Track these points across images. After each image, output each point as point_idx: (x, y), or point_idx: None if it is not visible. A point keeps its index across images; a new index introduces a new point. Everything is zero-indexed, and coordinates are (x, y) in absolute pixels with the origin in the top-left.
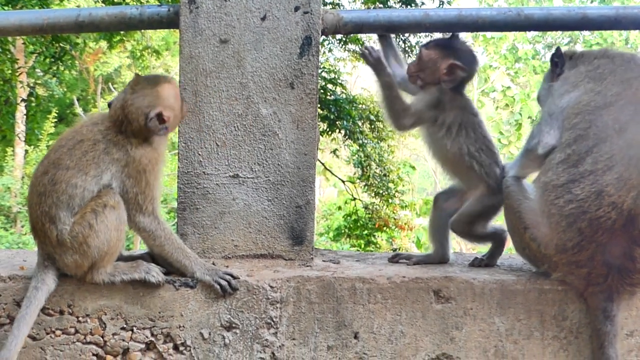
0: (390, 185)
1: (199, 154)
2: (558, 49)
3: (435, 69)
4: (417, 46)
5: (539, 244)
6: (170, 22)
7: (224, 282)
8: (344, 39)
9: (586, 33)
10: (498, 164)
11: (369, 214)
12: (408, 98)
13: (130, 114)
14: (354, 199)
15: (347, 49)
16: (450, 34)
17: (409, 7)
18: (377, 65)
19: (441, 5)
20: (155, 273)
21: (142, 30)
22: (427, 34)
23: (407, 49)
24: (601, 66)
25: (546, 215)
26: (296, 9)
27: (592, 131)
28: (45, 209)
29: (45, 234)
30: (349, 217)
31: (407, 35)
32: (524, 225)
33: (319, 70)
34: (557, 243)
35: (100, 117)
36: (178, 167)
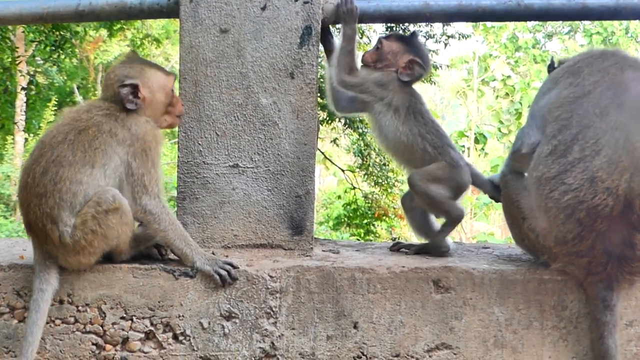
0: (390, 174)
1: (199, 144)
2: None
3: (394, 61)
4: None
5: (537, 234)
6: (170, 11)
7: (223, 272)
8: None
9: (586, 23)
10: (451, 146)
11: (369, 203)
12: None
13: (109, 80)
14: (354, 188)
15: None
16: (413, 33)
17: None
18: (348, 15)
19: None
20: None
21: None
22: (427, 24)
23: None
24: (580, 61)
25: (543, 210)
26: None
27: (575, 119)
28: (46, 210)
29: (47, 234)
30: (348, 206)
31: (406, 25)
32: (522, 215)
33: (319, 60)
34: (556, 235)
35: (94, 102)
36: (178, 156)
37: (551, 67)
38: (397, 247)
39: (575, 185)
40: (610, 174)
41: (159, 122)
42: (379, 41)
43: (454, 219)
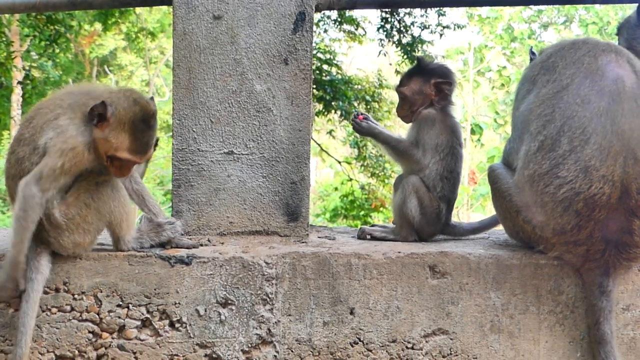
0: (387, 165)
1: (193, 131)
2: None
3: (424, 96)
4: (412, 26)
5: (534, 226)
6: None
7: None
8: (339, 19)
9: (582, 12)
10: (450, 202)
11: (366, 194)
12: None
13: (120, 90)
14: (351, 179)
15: (342, 29)
16: (417, 59)
17: None
18: (369, 130)
19: None
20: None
21: (137, 12)
22: (422, 14)
23: (402, 29)
24: (552, 55)
25: (540, 205)
26: None
27: (557, 113)
28: None
29: None
30: (345, 198)
31: (402, 15)
32: (516, 208)
33: (314, 51)
34: (554, 227)
35: (86, 88)
36: (172, 144)
37: (531, 54)
38: (364, 235)
39: (570, 177)
40: (604, 160)
41: (100, 154)
42: (398, 92)
43: (399, 238)
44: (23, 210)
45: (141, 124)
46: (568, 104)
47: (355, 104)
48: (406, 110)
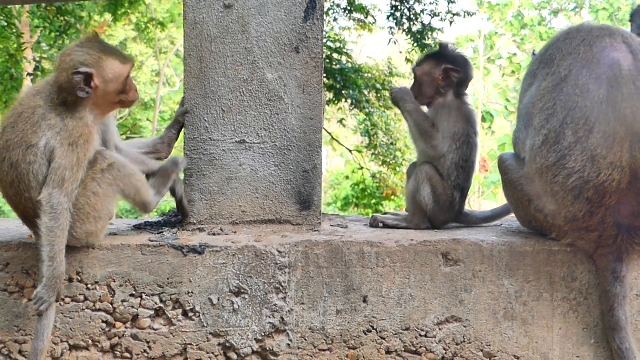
0: (398, 153)
1: (205, 120)
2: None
3: (433, 79)
4: (422, 14)
5: (546, 215)
6: None
7: None
8: (348, 7)
9: None
10: (463, 191)
11: (377, 182)
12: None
13: (63, 64)
14: (362, 168)
15: (352, 17)
16: (440, 45)
17: None
18: (397, 97)
19: None
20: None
21: (147, 2)
22: (432, 1)
23: (412, 17)
24: (550, 48)
25: (550, 195)
26: None
27: (559, 105)
28: (27, 196)
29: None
30: (356, 187)
31: (412, 3)
32: (528, 197)
33: (324, 39)
34: (566, 215)
35: (43, 84)
36: (184, 133)
37: (533, 55)
38: (375, 223)
39: (578, 167)
40: (610, 148)
41: (107, 109)
42: (414, 72)
43: (412, 226)
44: (55, 220)
45: (103, 45)
46: (568, 95)
47: (366, 93)
48: (416, 90)
